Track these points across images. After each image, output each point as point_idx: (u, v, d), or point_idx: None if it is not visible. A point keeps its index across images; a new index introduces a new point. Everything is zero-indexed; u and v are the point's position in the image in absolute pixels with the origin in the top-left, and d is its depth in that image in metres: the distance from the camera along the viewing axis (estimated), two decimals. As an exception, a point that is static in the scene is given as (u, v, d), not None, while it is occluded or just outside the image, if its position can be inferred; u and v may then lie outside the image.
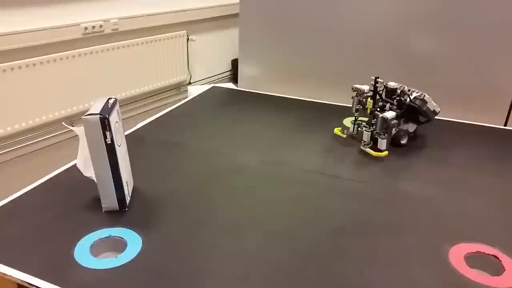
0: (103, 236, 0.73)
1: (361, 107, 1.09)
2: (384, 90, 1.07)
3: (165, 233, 0.74)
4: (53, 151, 2.17)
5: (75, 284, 0.62)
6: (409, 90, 1.06)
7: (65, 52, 2.08)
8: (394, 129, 1.04)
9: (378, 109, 1.07)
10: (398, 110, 1.04)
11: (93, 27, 2.15)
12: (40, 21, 1.98)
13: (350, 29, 1.35)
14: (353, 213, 0.81)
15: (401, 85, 1.08)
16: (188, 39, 2.59)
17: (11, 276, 0.64)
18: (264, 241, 0.73)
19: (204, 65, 2.87)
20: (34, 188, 0.86)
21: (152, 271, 0.66)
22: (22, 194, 0.84)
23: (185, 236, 0.73)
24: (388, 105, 1.05)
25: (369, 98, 1.06)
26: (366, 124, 1.09)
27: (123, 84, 2.37)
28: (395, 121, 1.02)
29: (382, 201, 0.85)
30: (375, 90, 1.06)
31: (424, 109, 1.03)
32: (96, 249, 0.71)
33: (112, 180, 0.76)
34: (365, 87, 1.08)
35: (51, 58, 2.03)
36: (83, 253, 0.69)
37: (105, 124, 0.71)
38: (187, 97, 2.78)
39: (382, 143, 1.02)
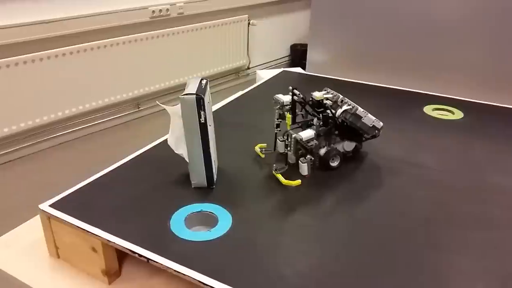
0: (195, 211, 0.76)
1: (281, 121, 0.91)
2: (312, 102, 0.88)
3: (252, 211, 0.76)
4: (120, 130, 2.27)
5: (174, 253, 0.66)
6: (342, 102, 0.87)
7: (133, 35, 2.15)
8: (325, 148, 0.87)
9: (310, 124, 0.88)
10: (323, 127, 0.86)
11: (160, 10, 2.20)
12: (111, 3, 2.06)
13: (426, 15, 1.29)
14: (441, 204, 0.79)
15: (334, 94, 0.89)
16: (249, 24, 2.60)
17: (114, 243, 0.68)
18: (351, 226, 0.73)
19: (263, 50, 2.87)
20: (126, 162, 0.91)
21: (243, 246, 0.68)
22: (116, 168, 0.88)
23: (271, 215, 0.75)
24: (315, 120, 0.87)
25: (288, 113, 0.86)
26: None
27: (185, 68, 2.42)
28: (314, 142, 0.83)
29: (469, 192, 0.82)
30: (293, 103, 0.86)
31: (358, 125, 0.87)
32: (189, 222, 0.74)
33: (202, 158, 0.78)
34: (286, 98, 0.87)
35: (120, 40, 2.11)
36: (179, 225, 0.72)
37: (200, 104, 0.74)
38: (246, 82, 2.80)
39: (303, 168, 0.83)
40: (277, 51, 2.97)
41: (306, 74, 1.47)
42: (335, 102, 0.89)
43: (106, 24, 2.04)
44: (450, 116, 1.16)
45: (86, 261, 0.73)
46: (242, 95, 1.28)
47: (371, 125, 0.88)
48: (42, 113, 1.90)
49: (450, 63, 1.32)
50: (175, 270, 0.63)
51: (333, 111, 0.86)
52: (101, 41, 2.04)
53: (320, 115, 0.86)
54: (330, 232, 0.71)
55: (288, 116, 0.86)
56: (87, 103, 2.06)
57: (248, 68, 2.79)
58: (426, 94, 1.29)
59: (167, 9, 2.25)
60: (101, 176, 0.86)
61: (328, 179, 0.86)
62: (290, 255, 0.66)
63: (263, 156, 0.94)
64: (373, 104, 1.22)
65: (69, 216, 0.72)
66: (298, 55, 2.89)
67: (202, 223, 0.76)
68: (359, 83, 1.38)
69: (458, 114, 1.17)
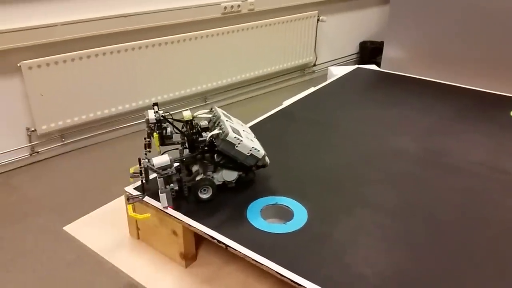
0: (270, 203, 0.76)
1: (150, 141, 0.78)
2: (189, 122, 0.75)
3: (327, 206, 0.75)
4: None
5: (251, 243, 0.66)
6: (218, 124, 0.75)
7: (205, 31, 2.20)
8: (200, 176, 0.75)
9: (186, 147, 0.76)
10: (189, 153, 0.75)
11: (232, 6, 2.24)
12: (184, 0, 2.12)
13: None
14: (534, 213, 0.73)
15: (215, 114, 0.76)
16: (318, 20, 2.57)
17: (195, 227, 0.70)
18: (431, 229, 0.69)
19: (330, 47, 2.83)
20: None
21: (320, 241, 0.67)
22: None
23: (348, 212, 0.73)
24: (187, 144, 0.76)
25: (155, 132, 0.74)
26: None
27: (252, 64, 2.44)
28: (171, 170, 0.70)
29: None
30: (159, 122, 0.74)
31: (232, 153, 0.73)
32: (265, 214, 0.75)
33: None
34: (151, 114, 0.74)
35: (192, 35, 2.17)
36: (255, 216, 0.73)
37: None
38: (312, 79, 2.78)
39: (162, 199, 0.72)
40: (345, 48, 2.91)
41: (382, 71, 1.42)
42: (214, 123, 0.76)
43: (179, 19, 2.11)
44: (541, 121, 1.07)
45: (166, 243, 0.76)
46: (315, 91, 1.26)
47: (248, 154, 0.74)
48: (117, 103, 2.01)
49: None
50: (253, 259, 0.64)
51: (205, 134, 0.74)
52: (174, 36, 2.12)
53: (185, 138, 0.74)
54: (410, 233, 0.68)
55: (156, 136, 0.73)
56: (159, 95, 2.15)
57: (315, 65, 2.76)
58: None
59: (239, 5, 2.28)
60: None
61: (403, 178, 0.82)
62: (369, 254, 0.64)
63: (131, 180, 0.80)
64: (453, 105, 1.16)
65: (153, 200, 0.75)
66: (367, 52, 2.82)
67: (277, 215, 0.76)
68: (438, 82, 1.31)
69: (551, 120, 1.08)
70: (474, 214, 0.73)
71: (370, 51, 2.79)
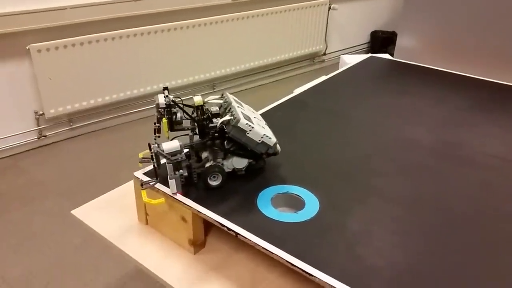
0: (281, 192, 0.75)
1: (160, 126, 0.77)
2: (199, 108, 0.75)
3: (340, 196, 0.73)
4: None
5: (261, 231, 0.65)
6: (229, 110, 0.74)
7: (214, 17, 2.18)
8: (210, 162, 0.75)
9: (197, 133, 0.75)
10: (199, 139, 0.74)
11: (242, -8, 2.20)
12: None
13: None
14: (552, 208, 0.71)
15: (226, 100, 0.77)
16: (330, 8, 2.53)
17: (204, 214, 0.69)
18: (446, 222, 0.68)
19: (341, 35, 2.80)
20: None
21: (332, 231, 0.66)
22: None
23: (360, 202, 0.72)
24: (197, 130, 0.75)
25: (164, 118, 0.74)
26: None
27: (261, 52, 2.42)
28: (180, 155, 0.70)
29: None
30: (169, 107, 0.74)
31: (243, 140, 0.72)
32: (275, 202, 0.73)
33: None
34: (161, 99, 0.74)
35: (202, 21, 2.15)
36: (265, 204, 0.72)
37: None
38: (321, 68, 2.75)
39: (171, 185, 0.71)
40: (356, 37, 2.88)
41: (395, 60, 1.39)
42: (225, 109, 0.75)
43: (189, 5, 2.08)
44: (559, 115, 1.04)
45: (174, 230, 0.75)
46: (327, 79, 1.24)
47: (259, 141, 0.73)
48: (125, 88, 1.99)
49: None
50: (263, 248, 0.63)
51: (216, 120, 0.73)
52: (183, 21, 2.09)
53: (196, 124, 0.73)
54: (424, 225, 0.67)
55: (164, 121, 0.73)
56: (167, 81, 2.14)
57: (325, 54, 2.73)
58: (531, 89, 1.18)
59: (249, -9, 2.25)
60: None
61: (417, 170, 0.81)
62: (382, 245, 0.63)
63: (141, 165, 0.79)
64: (468, 96, 1.13)
65: (162, 185, 0.74)
66: (378, 42, 2.78)
67: (288, 204, 0.75)
68: (453, 73, 1.29)
69: None
70: (489, 207, 0.71)
71: (381, 41, 2.76)
